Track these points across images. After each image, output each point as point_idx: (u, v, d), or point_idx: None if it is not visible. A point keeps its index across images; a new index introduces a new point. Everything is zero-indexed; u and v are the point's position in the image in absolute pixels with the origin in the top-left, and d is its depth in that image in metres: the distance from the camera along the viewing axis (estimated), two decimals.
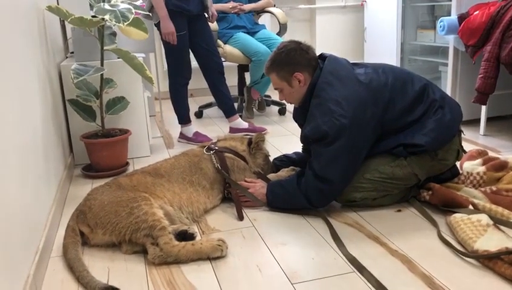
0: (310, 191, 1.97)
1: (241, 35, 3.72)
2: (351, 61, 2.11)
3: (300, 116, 2.20)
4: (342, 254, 1.70)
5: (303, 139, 2.11)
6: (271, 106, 4.14)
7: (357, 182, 2.00)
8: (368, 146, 1.98)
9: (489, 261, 1.54)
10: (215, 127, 3.63)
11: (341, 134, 1.90)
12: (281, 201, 2.07)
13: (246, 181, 2.19)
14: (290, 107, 3.66)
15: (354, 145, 1.94)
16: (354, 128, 1.91)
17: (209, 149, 2.22)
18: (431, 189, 2.04)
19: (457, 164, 2.20)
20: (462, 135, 2.13)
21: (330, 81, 1.98)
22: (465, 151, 2.23)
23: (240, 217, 2.02)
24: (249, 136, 2.37)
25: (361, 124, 1.93)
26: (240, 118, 3.39)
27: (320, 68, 2.04)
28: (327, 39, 5.00)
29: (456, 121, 2.05)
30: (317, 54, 2.11)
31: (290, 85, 2.06)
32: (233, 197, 2.11)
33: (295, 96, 2.10)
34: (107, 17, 2.35)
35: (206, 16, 3.19)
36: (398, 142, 1.99)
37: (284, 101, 3.76)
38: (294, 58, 2.03)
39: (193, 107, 3.82)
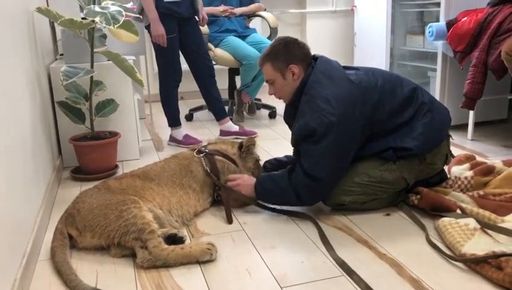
0: (299, 187, 1.98)
1: (232, 39, 3.72)
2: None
3: (290, 117, 2.21)
4: (331, 257, 1.70)
5: (294, 141, 2.11)
6: (261, 109, 4.15)
7: (346, 185, 2.01)
8: (356, 145, 1.99)
9: (477, 264, 1.56)
10: (205, 130, 3.63)
11: (329, 131, 1.91)
12: (270, 194, 2.06)
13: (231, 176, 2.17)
14: (280, 111, 3.66)
15: (342, 143, 1.95)
16: (342, 126, 1.92)
17: (199, 152, 2.21)
18: (419, 193, 2.05)
19: (446, 168, 2.22)
20: (451, 140, 2.16)
21: (321, 80, 2.00)
22: (453, 156, 2.25)
23: (229, 221, 2.02)
24: (239, 140, 2.37)
25: (349, 122, 1.94)
26: (230, 121, 3.40)
27: (312, 67, 2.05)
28: (317, 43, 5.01)
29: (444, 126, 2.07)
30: None
31: (284, 77, 2.06)
32: (223, 200, 2.11)
33: (286, 90, 2.10)
34: (97, 19, 2.33)
35: (197, 19, 3.19)
36: (387, 145, 2.00)
37: (273, 105, 3.74)
38: (291, 50, 2.05)
39: (183, 110, 3.81)
